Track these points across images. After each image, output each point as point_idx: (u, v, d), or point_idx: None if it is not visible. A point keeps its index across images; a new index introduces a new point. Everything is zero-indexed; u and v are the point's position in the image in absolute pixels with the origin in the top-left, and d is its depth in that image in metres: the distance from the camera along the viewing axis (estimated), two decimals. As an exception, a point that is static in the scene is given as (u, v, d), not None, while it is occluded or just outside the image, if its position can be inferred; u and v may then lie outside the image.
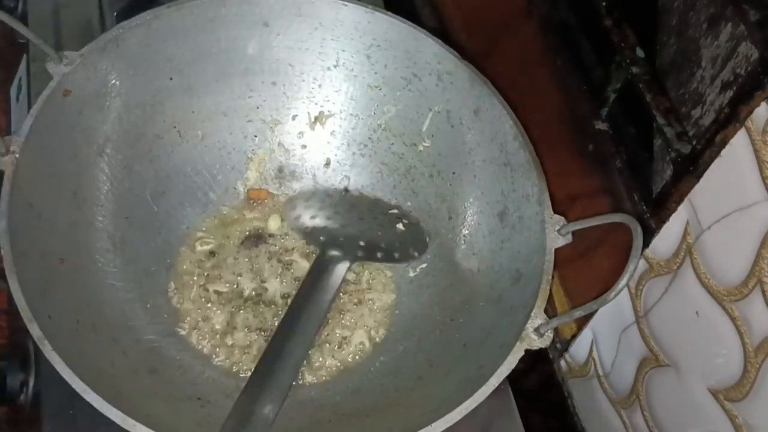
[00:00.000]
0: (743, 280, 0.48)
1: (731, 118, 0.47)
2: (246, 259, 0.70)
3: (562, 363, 0.71)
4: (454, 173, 0.70)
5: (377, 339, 0.67)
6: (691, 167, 0.51)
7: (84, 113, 0.63)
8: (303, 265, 0.70)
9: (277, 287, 0.69)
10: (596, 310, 0.56)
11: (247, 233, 0.71)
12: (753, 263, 0.47)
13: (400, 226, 0.72)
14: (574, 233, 0.59)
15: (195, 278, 0.68)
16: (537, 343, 0.55)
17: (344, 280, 0.68)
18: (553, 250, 0.58)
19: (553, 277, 0.57)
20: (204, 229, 0.71)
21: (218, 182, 0.72)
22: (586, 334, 0.66)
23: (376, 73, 0.71)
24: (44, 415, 0.61)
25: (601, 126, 0.61)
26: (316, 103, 0.74)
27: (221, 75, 0.70)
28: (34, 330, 0.50)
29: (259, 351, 0.65)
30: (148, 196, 0.68)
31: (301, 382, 0.64)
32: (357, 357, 0.66)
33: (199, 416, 0.59)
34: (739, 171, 0.46)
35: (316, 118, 0.74)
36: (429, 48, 0.68)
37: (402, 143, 0.72)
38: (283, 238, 0.72)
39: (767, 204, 0.45)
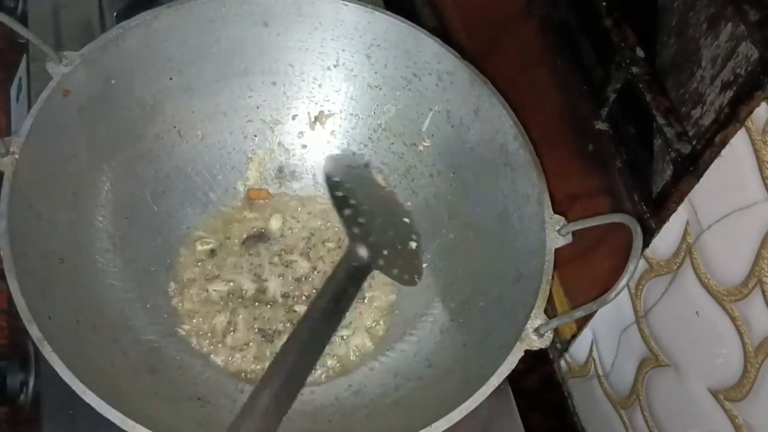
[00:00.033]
0: (743, 280, 0.48)
1: (731, 118, 0.47)
2: (246, 259, 0.70)
3: (562, 363, 0.71)
4: (454, 173, 0.70)
5: (377, 339, 0.67)
6: (691, 167, 0.51)
7: (84, 113, 0.63)
8: (303, 265, 0.70)
9: (277, 287, 0.69)
10: (596, 311, 0.56)
11: (248, 233, 0.71)
12: (753, 263, 0.47)
13: (413, 244, 0.67)
14: (574, 233, 0.59)
15: (195, 278, 0.68)
16: (537, 343, 0.55)
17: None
18: (553, 250, 0.58)
19: (553, 277, 0.57)
20: (204, 229, 0.71)
21: (218, 182, 0.72)
22: (586, 334, 0.66)
23: (376, 72, 0.71)
24: (44, 415, 0.61)
25: (601, 126, 0.61)
26: (316, 103, 0.74)
27: (221, 75, 0.70)
28: (34, 331, 0.50)
29: (259, 351, 0.65)
30: (148, 196, 0.68)
31: (301, 381, 0.64)
32: (357, 357, 0.66)
33: (199, 416, 0.59)
34: (739, 171, 0.46)
35: (316, 118, 0.74)
36: (429, 48, 0.68)
37: (402, 143, 0.72)
38: (283, 238, 0.72)
39: (767, 204, 0.45)
